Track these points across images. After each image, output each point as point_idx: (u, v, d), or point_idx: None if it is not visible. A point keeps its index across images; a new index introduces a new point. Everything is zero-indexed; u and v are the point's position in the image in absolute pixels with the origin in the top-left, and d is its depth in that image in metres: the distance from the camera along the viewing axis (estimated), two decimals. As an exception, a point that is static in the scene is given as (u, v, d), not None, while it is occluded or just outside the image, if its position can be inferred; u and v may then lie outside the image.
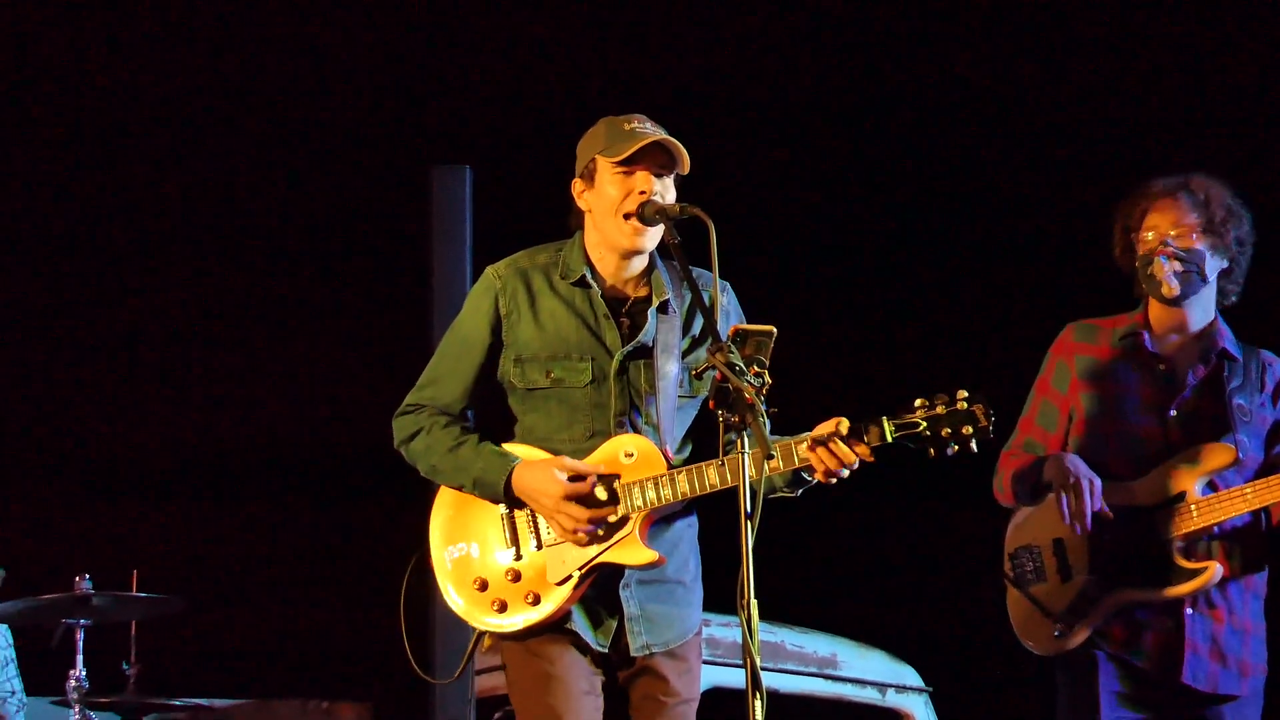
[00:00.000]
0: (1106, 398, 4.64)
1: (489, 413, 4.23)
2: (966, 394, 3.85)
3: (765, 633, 5.84)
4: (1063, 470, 4.52)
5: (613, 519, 4.01)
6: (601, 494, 4.01)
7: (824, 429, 3.89)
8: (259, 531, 7.28)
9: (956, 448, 3.85)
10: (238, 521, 7.28)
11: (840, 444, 3.85)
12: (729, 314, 4.21)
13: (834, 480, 3.92)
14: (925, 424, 3.85)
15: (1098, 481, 4.50)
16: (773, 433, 3.89)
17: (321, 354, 7.34)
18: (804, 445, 3.92)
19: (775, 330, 3.69)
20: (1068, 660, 4.64)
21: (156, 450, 7.29)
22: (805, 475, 4.00)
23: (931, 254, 7.44)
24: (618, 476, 4.02)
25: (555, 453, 4.09)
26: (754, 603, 3.50)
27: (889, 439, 3.87)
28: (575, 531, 4.00)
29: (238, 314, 7.36)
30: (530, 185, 5.59)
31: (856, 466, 3.90)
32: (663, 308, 4.15)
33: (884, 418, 3.88)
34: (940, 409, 3.85)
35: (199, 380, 7.34)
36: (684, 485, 3.99)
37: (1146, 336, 4.66)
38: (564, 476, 4.01)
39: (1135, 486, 4.58)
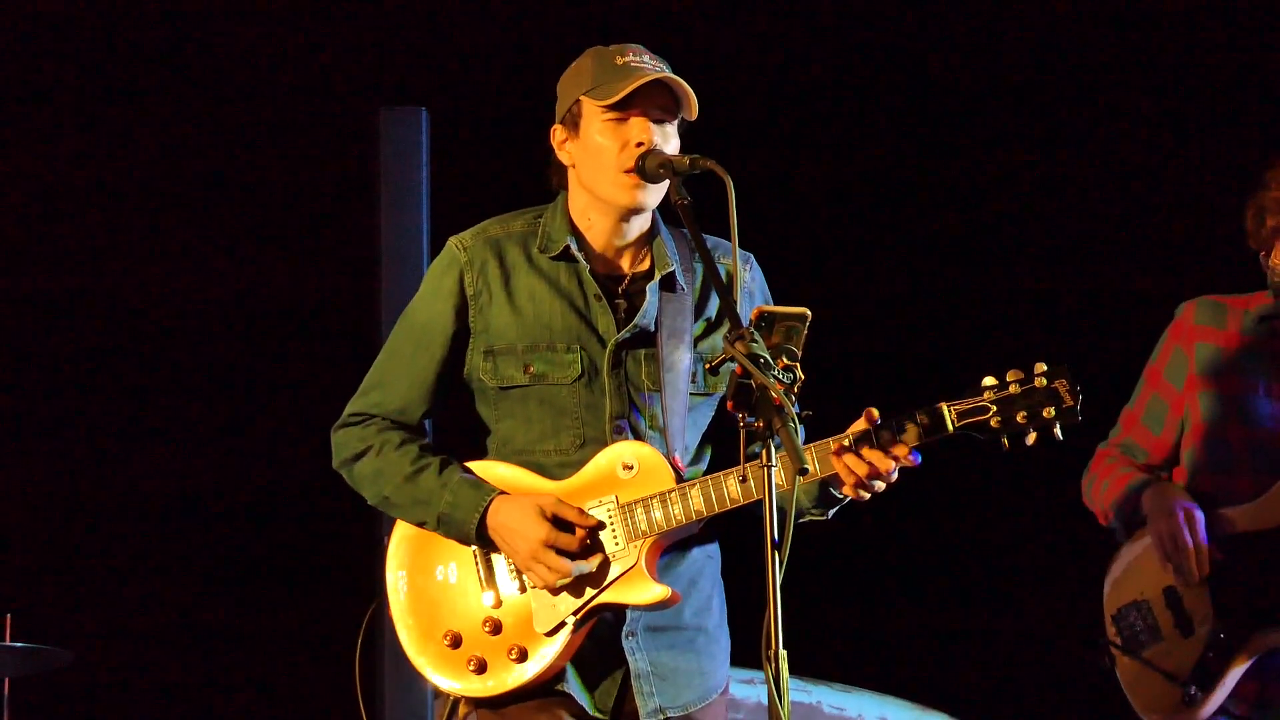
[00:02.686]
0: (1232, 396, 4.65)
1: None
2: (1046, 367, 3.77)
3: (797, 691, 5.89)
4: (1157, 506, 4.55)
5: (612, 562, 3.94)
6: (591, 544, 3.94)
7: (855, 428, 3.80)
8: (161, 568, 7.13)
9: (1036, 435, 3.75)
10: (134, 557, 7.13)
11: (870, 448, 3.75)
12: (752, 294, 4.14)
13: (866, 495, 3.82)
14: (995, 408, 3.76)
15: (1198, 512, 4.51)
16: (807, 441, 3.84)
17: (238, 342, 7.19)
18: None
19: (809, 313, 3.57)
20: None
21: (36, 469, 7.16)
22: (834, 490, 3.90)
23: (1001, 208, 7.38)
24: (611, 524, 3.95)
25: (538, 467, 4.04)
26: (783, 654, 3.41)
27: (951, 429, 3.78)
28: (556, 586, 3.93)
29: (139, 296, 7.29)
30: (496, 131, 5.53)
31: (895, 477, 3.80)
32: (667, 283, 4.08)
33: (944, 403, 3.79)
34: (1014, 388, 3.76)
35: (93, 383, 7.23)
36: (698, 502, 3.91)
37: None
38: (549, 518, 3.93)
39: (1262, 506, 4.58)
